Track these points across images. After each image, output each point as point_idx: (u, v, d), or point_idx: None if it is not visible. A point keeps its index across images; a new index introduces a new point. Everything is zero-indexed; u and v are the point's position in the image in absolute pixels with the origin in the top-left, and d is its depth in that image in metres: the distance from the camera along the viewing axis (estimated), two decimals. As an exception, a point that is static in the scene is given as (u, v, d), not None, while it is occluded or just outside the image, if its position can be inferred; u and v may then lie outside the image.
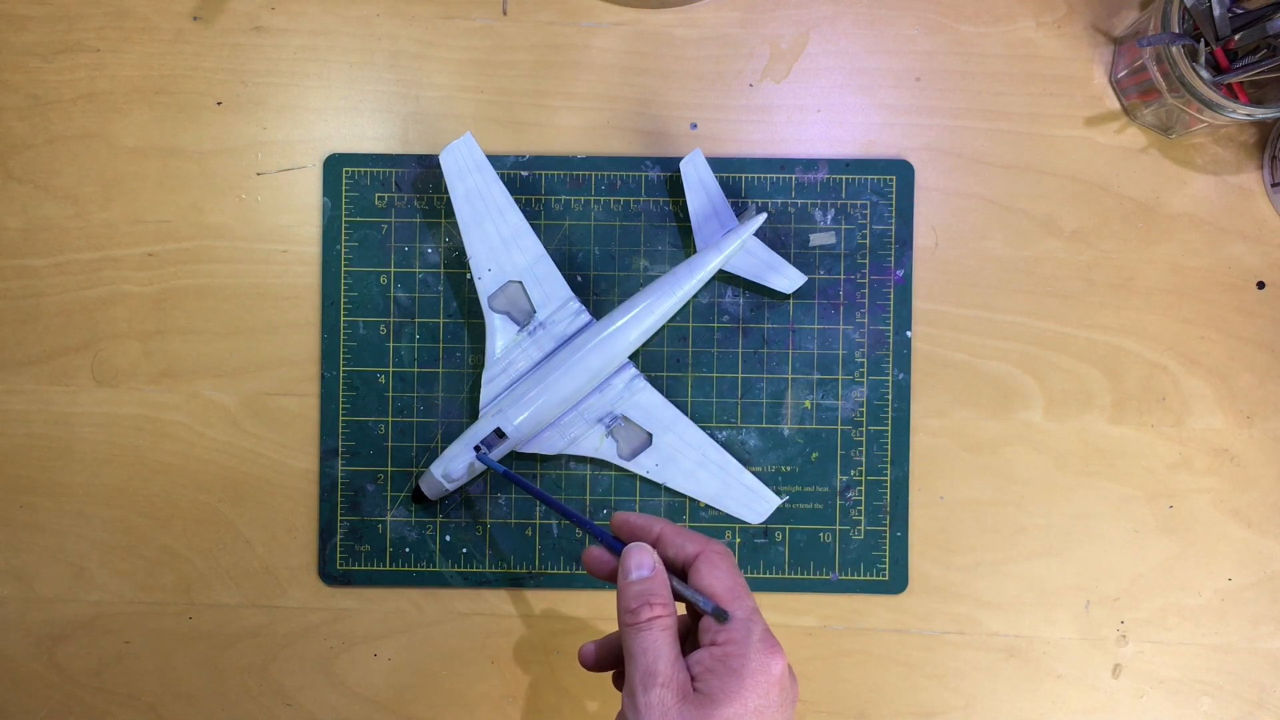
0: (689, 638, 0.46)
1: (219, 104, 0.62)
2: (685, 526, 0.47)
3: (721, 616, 0.44)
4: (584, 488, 0.62)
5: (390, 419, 0.62)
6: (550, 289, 0.60)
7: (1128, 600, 0.62)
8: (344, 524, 0.62)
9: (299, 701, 0.62)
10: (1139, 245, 0.62)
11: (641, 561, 0.46)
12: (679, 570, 0.47)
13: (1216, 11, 0.55)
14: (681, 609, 0.46)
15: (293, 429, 0.62)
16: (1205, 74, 0.56)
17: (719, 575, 0.45)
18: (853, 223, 0.62)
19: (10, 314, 0.62)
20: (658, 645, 0.44)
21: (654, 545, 0.47)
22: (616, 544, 0.47)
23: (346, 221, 0.62)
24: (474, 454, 0.59)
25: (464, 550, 0.62)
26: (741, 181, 0.62)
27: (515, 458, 0.62)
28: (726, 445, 0.62)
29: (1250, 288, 0.62)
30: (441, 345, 0.62)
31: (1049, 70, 0.62)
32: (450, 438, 0.61)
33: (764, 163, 0.62)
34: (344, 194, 0.62)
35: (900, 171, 0.62)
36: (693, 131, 0.62)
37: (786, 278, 0.61)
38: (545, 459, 0.62)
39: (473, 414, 0.62)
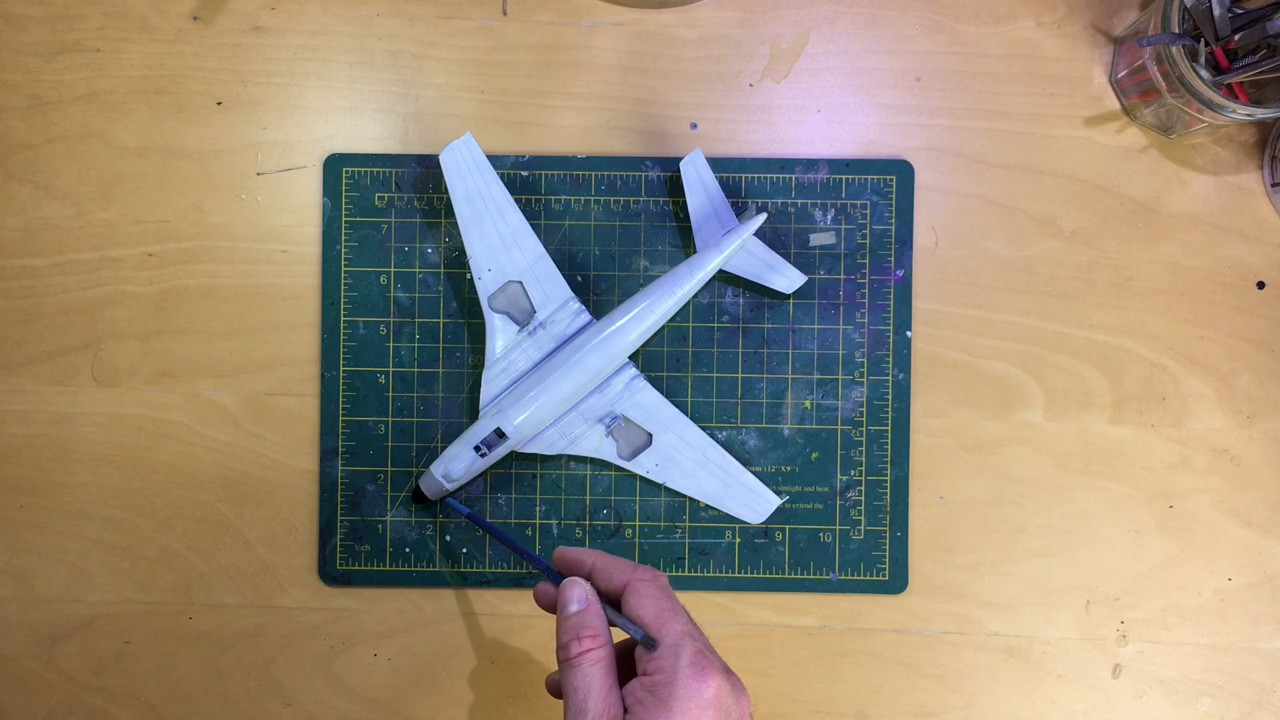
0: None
1: (219, 104, 0.62)
2: (617, 556, 0.48)
3: (649, 644, 0.45)
4: (584, 488, 0.62)
5: (390, 419, 0.62)
6: (550, 289, 0.60)
7: (1128, 600, 0.62)
8: (344, 524, 0.62)
9: (299, 701, 0.62)
10: (1139, 245, 0.62)
11: (573, 596, 0.47)
12: (614, 601, 0.47)
13: (1216, 11, 0.55)
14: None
15: (293, 429, 0.62)
16: (1205, 74, 0.56)
17: (645, 602, 0.46)
18: (853, 223, 0.62)
19: (10, 314, 0.62)
20: (588, 681, 0.44)
21: (588, 578, 0.48)
22: (558, 578, 0.48)
23: (346, 221, 0.62)
24: (475, 454, 0.59)
25: (464, 550, 0.62)
26: (741, 181, 0.62)
27: (516, 457, 0.62)
28: (726, 445, 0.62)
29: (1250, 288, 0.62)
30: (441, 345, 0.62)
31: (1049, 70, 0.62)
32: (450, 438, 0.61)
33: (764, 163, 0.62)
34: (344, 194, 0.62)
35: (900, 171, 0.62)
36: (693, 131, 0.62)
37: (786, 278, 0.61)
38: (545, 459, 0.62)
39: (473, 414, 0.62)
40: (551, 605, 0.48)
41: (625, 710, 0.44)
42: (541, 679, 0.62)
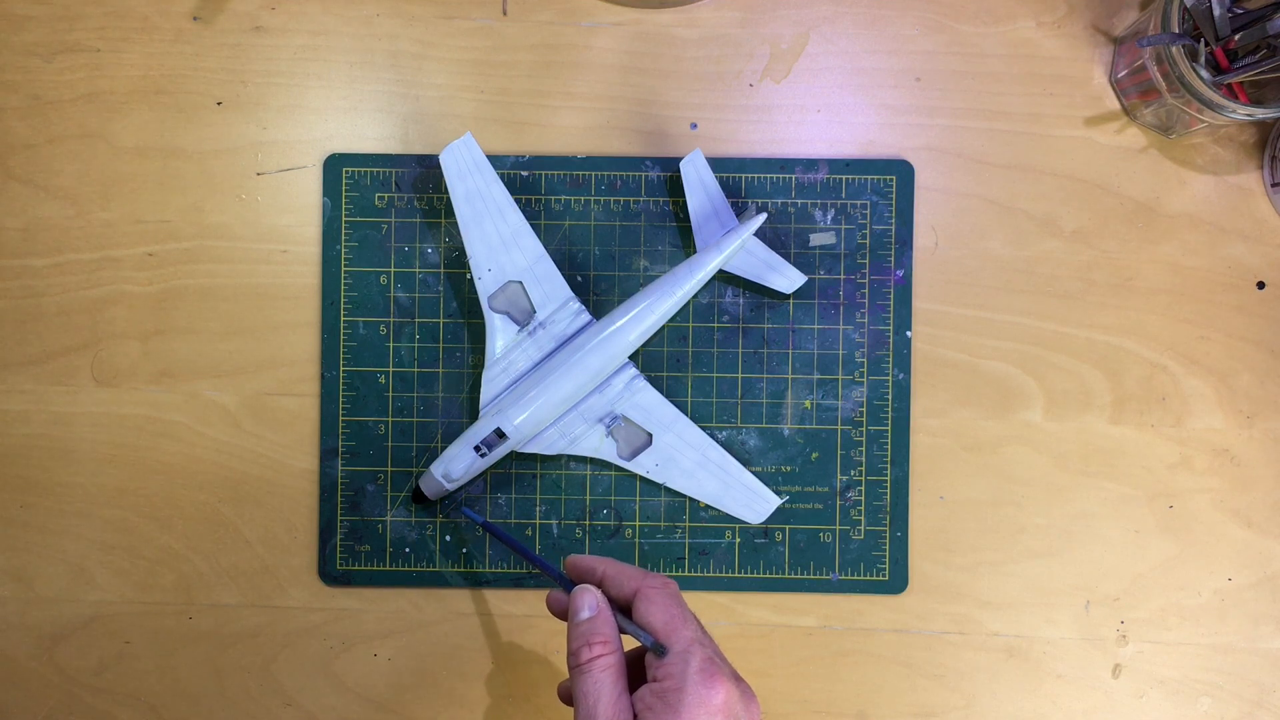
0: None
1: (219, 104, 0.62)
2: (628, 564, 0.49)
3: (659, 651, 0.45)
4: (584, 488, 0.62)
5: (390, 419, 0.62)
6: (550, 289, 0.60)
7: (1128, 600, 0.62)
8: (344, 524, 0.62)
9: (299, 701, 0.62)
10: (1139, 245, 0.62)
11: (584, 603, 0.47)
12: (625, 608, 0.47)
13: (1216, 11, 0.55)
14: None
15: (293, 429, 0.62)
16: (1205, 74, 0.56)
17: (655, 609, 0.46)
18: (853, 223, 0.62)
19: (10, 314, 0.62)
20: (598, 687, 0.44)
21: (599, 585, 0.48)
22: (570, 585, 0.49)
23: (346, 221, 0.62)
24: (475, 454, 0.59)
25: (464, 550, 0.62)
26: (741, 181, 0.62)
27: (516, 457, 0.62)
28: (726, 445, 0.62)
29: (1250, 288, 0.62)
30: (441, 345, 0.62)
31: (1049, 70, 0.62)
32: (450, 438, 0.61)
33: (764, 163, 0.62)
34: (344, 194, 0.62)
35: (900, 171, 0.62)
36: (693, 131, 0.62)
37: (786, 278, 0.61)
38: (545, 459, 0.62)
39: (473, 414, 0.62)
40: (563, 612, 0.49)
41: (635, 716, 0.44)
42: (542, 678, 0.62)
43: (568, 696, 0.50)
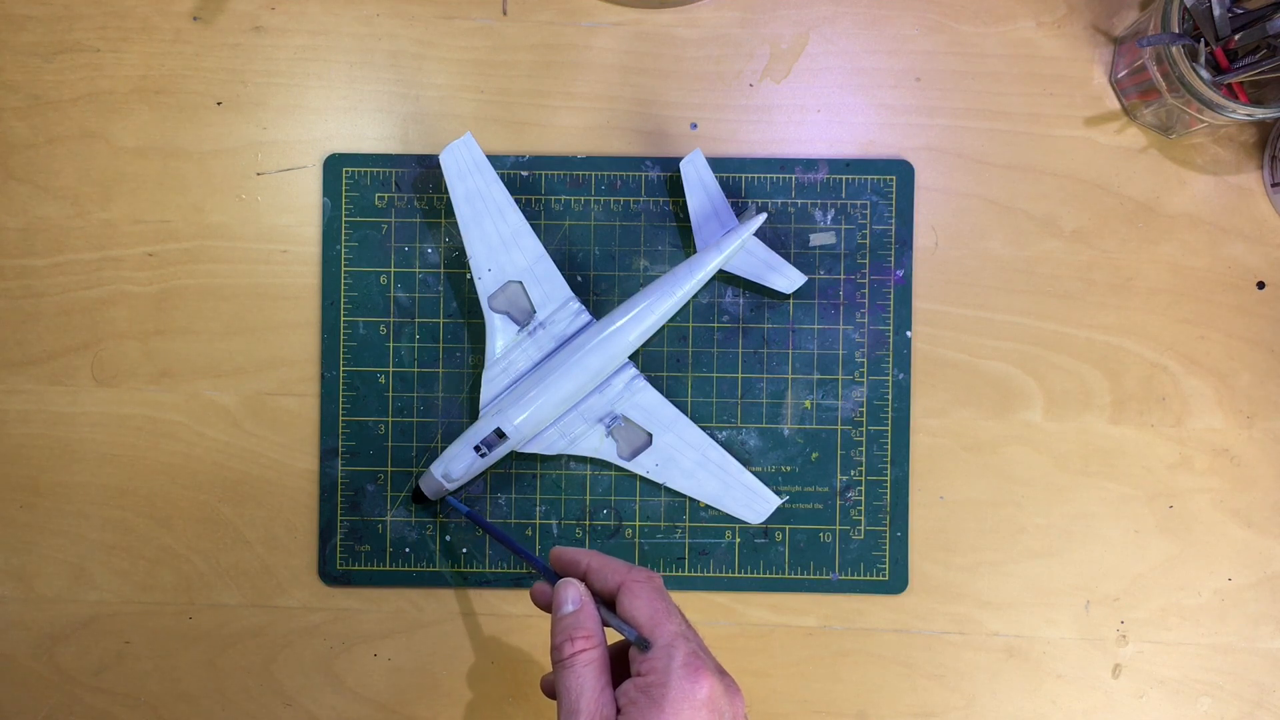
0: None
1: (219, 104, 0.62)
2: (613, 557, 0.49)
3: (643, 645, 0.45)
4: (584, 488, 0.62)
5: (390, 419, 0.62)
6: (550, 289, 0.60)
7: (1128, 600, 0.62)
8: (344, 524, 0.62)
9: (299, 701, 0.62)
10: (1139, 245, 0.62)
11: (567, 597, 0.47)
12: (609, 601, 0.47)
13: (1216, 11, 0.55)
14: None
15: (293, 429, 0.62)
16: (1205, 74, 0.56)
17: (639, 604, 0.46)
18: (853, 223, 0.62)
19: (10, 314, 0.62)
20: (580, 682, 0.44)
21: (583, 578, 0.48)
22: (554, 578, 0.49)
23: (346, 221, 0.62)
24: (475, 454, 0.59)
25: (464, 550, 0.62)
26: (741, 181, 0.62)
27: (516, 457, 0.62)
28: (726, 445, 0.62)
29: (1250, 288, 0.62)
30: (441, 345, 0.62)
31: (1049, 70, 0.62)
32: (450, 438, 0.61)
33: (764, 163, 0.62)
34: (344, 194, 0.62)
35: (900, 171, 0.62)
36: (693, 131, 0.62)
37: (786, 278, 0.61)
38: (545, 459, 0.62)
39: (473, 414, 0.62)
40: (547, 605, 0.49)
41: (618, 711, 0.44)
42: (541, 679, 0.62)
43: (550, 689, 0.50)
